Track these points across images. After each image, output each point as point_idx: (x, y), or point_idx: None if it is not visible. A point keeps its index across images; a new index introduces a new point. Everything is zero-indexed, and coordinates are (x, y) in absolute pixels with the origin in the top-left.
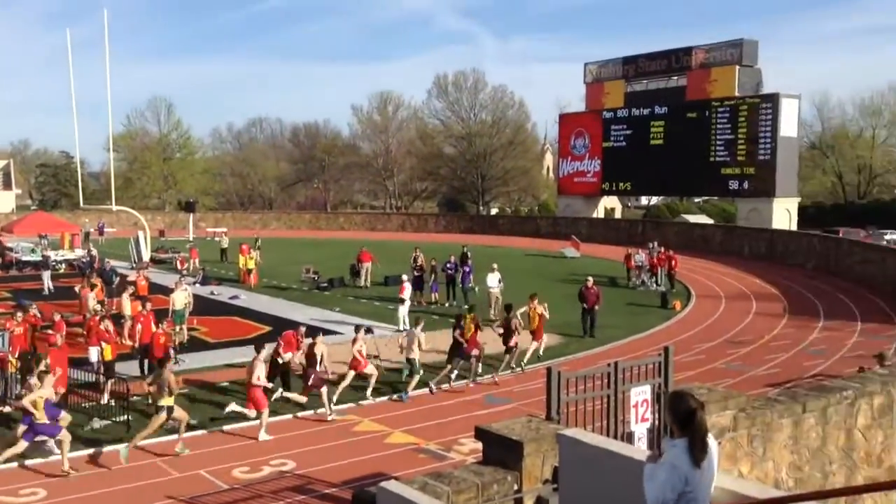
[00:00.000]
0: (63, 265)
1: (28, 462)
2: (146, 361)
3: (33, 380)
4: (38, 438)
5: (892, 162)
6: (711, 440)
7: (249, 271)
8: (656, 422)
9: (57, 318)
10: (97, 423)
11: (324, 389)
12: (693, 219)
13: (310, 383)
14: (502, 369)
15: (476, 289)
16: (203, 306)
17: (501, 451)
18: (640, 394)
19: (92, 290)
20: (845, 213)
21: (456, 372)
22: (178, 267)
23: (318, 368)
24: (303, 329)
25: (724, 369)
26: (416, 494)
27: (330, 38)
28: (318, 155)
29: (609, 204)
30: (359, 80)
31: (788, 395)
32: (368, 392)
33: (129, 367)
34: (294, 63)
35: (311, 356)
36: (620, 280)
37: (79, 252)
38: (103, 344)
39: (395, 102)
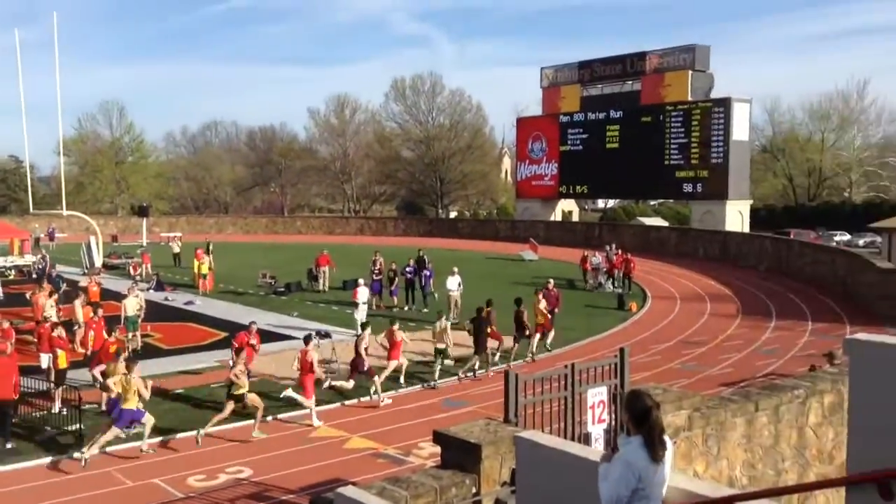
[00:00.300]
0: (12, 271)
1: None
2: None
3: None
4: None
5: (841, 165)
6: (666, 439)
7: (203, 276)
8: (613, 422)
9: (6, 325)
10: (48, 433)
11: (376, 378)
12: (648, 221)
13: (366, 368)
14: (536, 351)
15: (436, 294)
16: (157, 312)
17: (460, 455)
18: (597, 395)
19: (51, 296)
20: (796, 215)
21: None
22: (132, 272)
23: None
24: (254, 328)
25: (679, 369)
26: (373, 500)
27: (284, 42)
28: (274, 158)
29: (566, 207)
30: (315, 84)
31: (741, 394)
32: (402, 379)
33: (82, 375)
34: (249, 66)
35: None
36: (578, 282)
37: (29, 258)
38: (58, 351)
39: (352, 106)
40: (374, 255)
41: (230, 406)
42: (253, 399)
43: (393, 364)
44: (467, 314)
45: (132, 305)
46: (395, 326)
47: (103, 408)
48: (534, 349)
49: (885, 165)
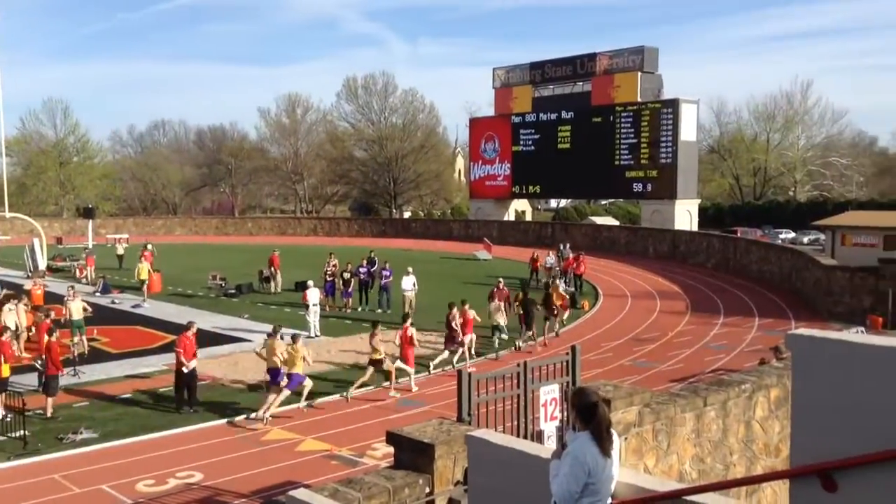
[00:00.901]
0: None
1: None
2: (42, 375)
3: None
4: None
5: (786, 164)
6: (614, 433)
7: (142, 282)
8: (565, 420)
9: None
10: None
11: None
12: (600, 220)
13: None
14: (556, 329)
15: (388, 299)
16: (104, 316)
17: (413, 455)
18: (549, 392)
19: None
20: (742, 213)
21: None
22: (77, 275)
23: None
24: (194, 328)
25: (630, 366)
26: (325, 502)
27: (234, 40)
28: (224, 158)
29: (520, 207)
30: (266, 83)
31: (690, 389)
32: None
33: (28, 380)
34: (198, 65)
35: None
36: (532, 281)
37: None
38: (1, 358)
39: (303, 105)
40: (329, 256)
41: (370, 370)
42: (389, 365)
43: (468, 339)
44: (422, 315)
45: (76, 309)
46: (467, 306)
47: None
48: (557, 328)
49: (829, 165)
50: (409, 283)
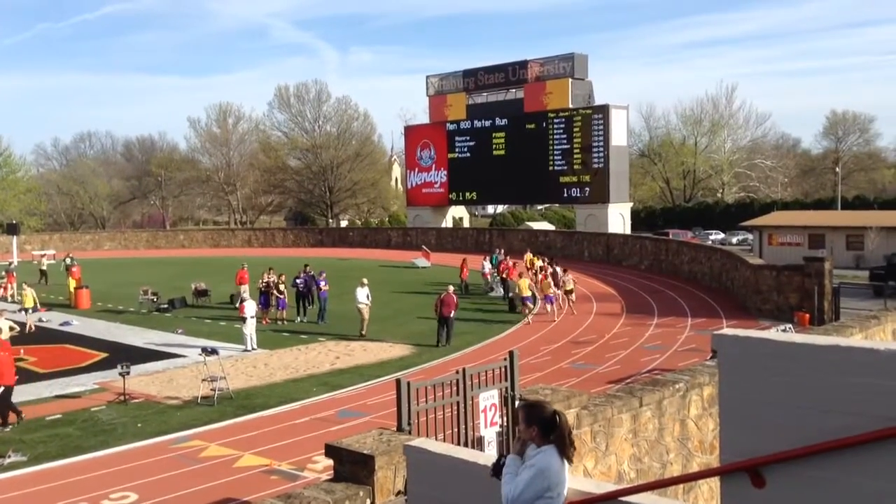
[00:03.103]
0: None
1: None
2: None
3: None
4: None
5: (714, 167)
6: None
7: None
8: (505, 425)
9: None
10: None
11: None
12: (536, 226)
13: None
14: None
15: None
16: (31, 335)
17: (353, 467)
18: (488, 398)
19: None
20: (673, 215)
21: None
22: (1, 294)
23: None
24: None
25: (568, 369)
26: None
27: (161, 50)
28: (153, 170)
29: (457, 213)
30: (195, 93)
31: (626, 390)
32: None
33: None
34: (124, 75)
35: None
36: (473, 288)
37: None
38: None
39: (235, 114)
40: (268, 270)
41: None
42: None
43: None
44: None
45: (4, 328)
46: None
47: None
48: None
49: (754, 167)
50: (363, 294)
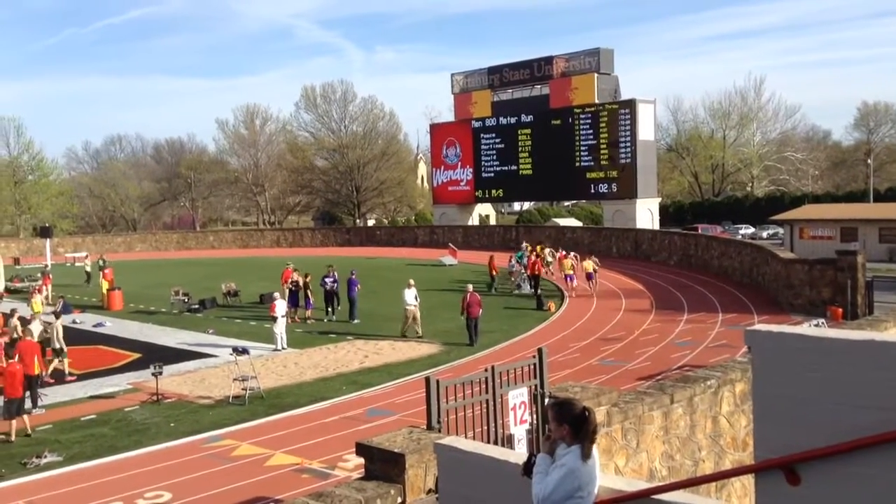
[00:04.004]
0: None
1: None
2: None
3: None
4: None
5: (743, 161)
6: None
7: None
8: (535, 422)
9: None
10: None
11: None
12: (563, 222)
13: None
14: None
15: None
16: (65, 336)
17: (384, 465)
18: (518, 396)
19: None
20: (702, 210)
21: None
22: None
23: None
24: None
25: (597, 366)
26: None
27: (188, 53)
28: (183, 172)
29: (483, 211)
30: (223, 95)
31: (657, 387)
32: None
33: None
34: (151, 78)
35: None
36: (500, 286)
37: None
38: None
39: (262, 115)
40: (304, 276)
41: None
42: None
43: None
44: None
45: (38, 331)
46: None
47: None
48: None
49: (784, 160)
50: (410, 296)
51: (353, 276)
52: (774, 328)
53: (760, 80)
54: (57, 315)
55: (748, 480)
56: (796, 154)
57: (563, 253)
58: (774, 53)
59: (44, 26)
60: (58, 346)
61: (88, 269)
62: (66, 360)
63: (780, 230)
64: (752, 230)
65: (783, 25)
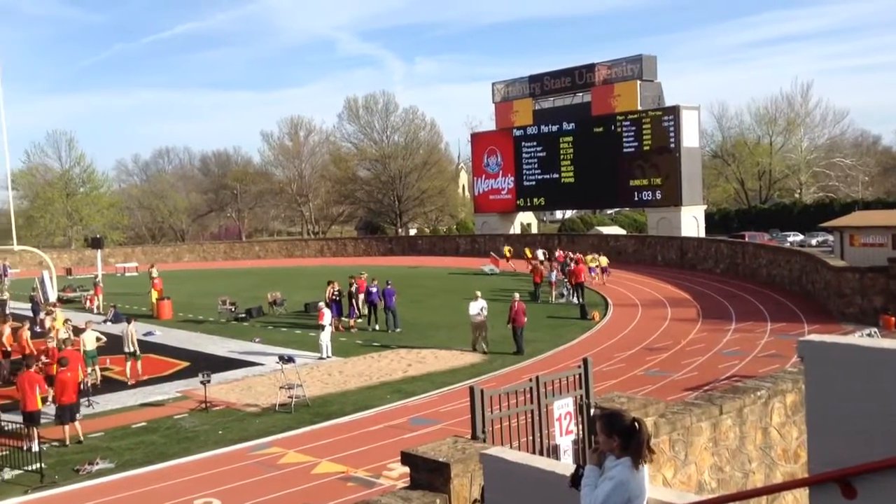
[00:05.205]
0: None
1: None
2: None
3: None
4: None
5: (790, 167)
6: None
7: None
8: (581, 433)
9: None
10: (8, 474)
11: None
12: (606, 230)
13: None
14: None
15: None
16: (116, 345)
17: (429, 474)
18: (563, 406)
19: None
20: (749, 217)
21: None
22: (88, 305)
23: None
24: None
25: (643, 376)
26: None
27: (232, 66)
28: (229, 183)
29: (525, 219)
30: (267, 107)
31: (705, 398)
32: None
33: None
34: (198, 92)
35: None
36: (543, 294)
37: None
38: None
39: (305, 127)
40: (351, 278)
41: None
42: None
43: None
44: (445, 333)
45: (90, 340)
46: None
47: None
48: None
49: (833, 166)
50: (476, 308)
51: (390, 286)
52: (828, 338)
53: (808, 84)
54: (129, 320)
55: (800, 493)
56: (845, 160)
57: (561, 254)
58: (821, 58)
59: (94, 42)
60: (132, 349)
61: (155, 275)
62: (139, 362)
63: (830, 237)
64: (800, 237)
65: (830, 30)
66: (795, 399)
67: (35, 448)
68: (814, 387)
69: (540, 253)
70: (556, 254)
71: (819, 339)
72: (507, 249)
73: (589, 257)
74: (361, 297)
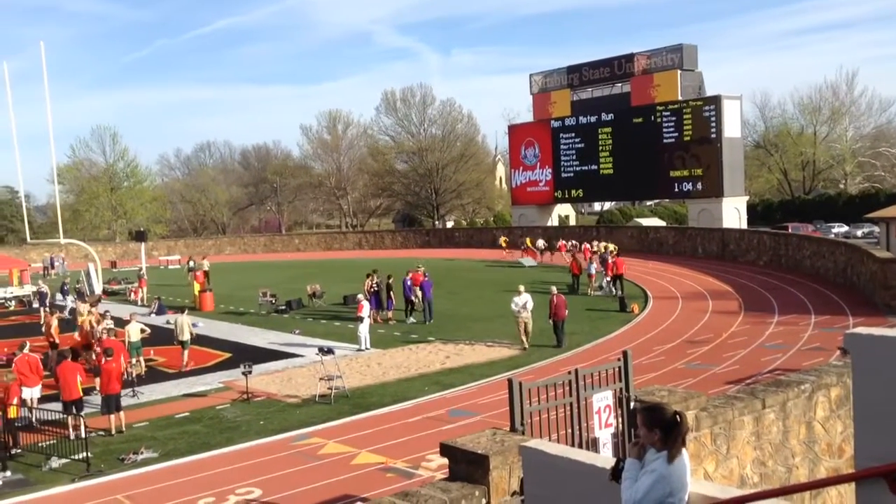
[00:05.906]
0: (13, 302)
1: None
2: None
3: None
4: None
5: (835, 157)
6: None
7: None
8: (620, 426)
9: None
10: (55, 463)
11: None
12: (646, 222)
13: None
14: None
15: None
16: (160, 336)
17: (468, 466)
18: (602, 399)
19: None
20: (792, 208)
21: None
22: (132, 297)
23: None
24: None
25: (684, 369)
26: None
27: (271, 61)
28: (269, 177)
29: (563, 211)
30: (305, 101)
31: (747, 391)
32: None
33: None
34: (238, 86)
35: None
36: (581, 286)
37: (28, 288)
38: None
39: (344, 121)
40: (370, 275)
41: None
42: None
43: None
44: (482, 325)
45: (135, 331)
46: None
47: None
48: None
49: (879, 155)
50: (520, 302)
51: (427, 278)
52: (876, 331)
53: (853, 73)
54: (182, 311)
55: (844, 488)
56: (892, 150)
57: (563, 243)
58: (866, 45)
59: (137, 38)
60: (185, 338)
61: (207, 268)
62: (186, 353)
63: (876, 228)
64: (845, 229)
65: (875, 16)
66: (840, 393)
67: (82, 436)
68: (861, 380)
69: (540, 242)
70: (583, 246)
71: (867, 331)
72: (503, 240)
73: (604, 245)
74: (418, 290)
